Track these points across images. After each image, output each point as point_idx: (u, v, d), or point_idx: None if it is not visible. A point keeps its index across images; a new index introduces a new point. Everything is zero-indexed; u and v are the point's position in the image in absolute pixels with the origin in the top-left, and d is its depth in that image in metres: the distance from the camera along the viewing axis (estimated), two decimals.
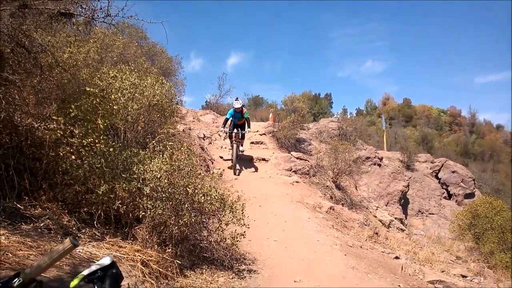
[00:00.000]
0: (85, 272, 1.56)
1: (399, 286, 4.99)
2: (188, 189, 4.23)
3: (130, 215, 4.29)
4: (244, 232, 4.87)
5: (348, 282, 4.76)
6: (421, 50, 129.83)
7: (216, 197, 4.46)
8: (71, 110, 4.41)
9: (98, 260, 1.66)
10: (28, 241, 3.30)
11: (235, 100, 10.87)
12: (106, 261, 1.60)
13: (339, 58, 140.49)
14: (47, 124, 4.51)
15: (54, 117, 4.27)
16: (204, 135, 13.60)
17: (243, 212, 4.83)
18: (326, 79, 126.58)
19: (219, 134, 13.63)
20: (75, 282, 1.53)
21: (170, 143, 4.59)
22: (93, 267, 1.57)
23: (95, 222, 4.22)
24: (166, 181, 4.13)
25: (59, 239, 3.68)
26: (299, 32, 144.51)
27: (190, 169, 4.44)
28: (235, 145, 10.64)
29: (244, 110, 10.90)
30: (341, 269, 5.12)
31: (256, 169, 11.18)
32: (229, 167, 10.81)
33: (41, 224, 3.83)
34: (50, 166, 4.33)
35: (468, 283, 6.33)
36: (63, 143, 4.38)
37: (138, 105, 5.15)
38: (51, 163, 4.31)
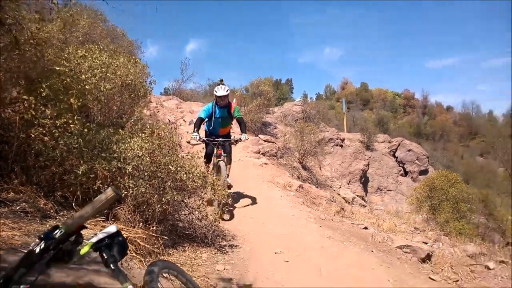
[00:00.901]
0: (94, 239, 1.58)
1: (372, 251, 5.36)
2: (171, 167, 4.24)
3: None
4: (228, 204, 4.96)
5: (327, 249, 5.04)
6: (379, 36, 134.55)
7: (198, 174, 4.51)
8: (42, 90, 4.21)
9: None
10: (9, 223, 3.21)
11: (219, 85, 6.52)
12: (112, 229, 1.63)
13: (298, 44, 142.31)
14: (15, 105, 4.29)
15: (25, 97, 4.05)
16: (169, 120, 13.44)
17: (225, 189, 4.92)
18: (284, 65, 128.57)
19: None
20: (85, 249, 1.55)
21: (149, 122, 4.54)
22: (100, 235, 1.60)
23: (73, 204, 4.12)
24: (148, 159, 4.10)
25: (38, 221, 3.60)
26: (257, 19, 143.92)
27: (171, 147, 4.44)
28: (221, 164, 6.05)
29: (233, 106, 6.67)
30: (318, 239, 5.39)
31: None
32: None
33: (17, 208, 3.70)
34: (22, 149, 4.15)
35: (431, 248, 6.91)
36: (34, 124, 4.19)
37: (110, 85, 5.01)
38: (22, 145, 4.13)
